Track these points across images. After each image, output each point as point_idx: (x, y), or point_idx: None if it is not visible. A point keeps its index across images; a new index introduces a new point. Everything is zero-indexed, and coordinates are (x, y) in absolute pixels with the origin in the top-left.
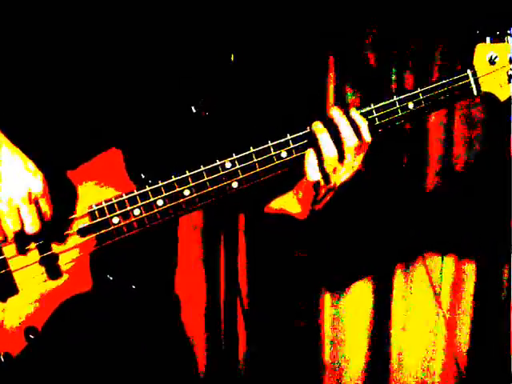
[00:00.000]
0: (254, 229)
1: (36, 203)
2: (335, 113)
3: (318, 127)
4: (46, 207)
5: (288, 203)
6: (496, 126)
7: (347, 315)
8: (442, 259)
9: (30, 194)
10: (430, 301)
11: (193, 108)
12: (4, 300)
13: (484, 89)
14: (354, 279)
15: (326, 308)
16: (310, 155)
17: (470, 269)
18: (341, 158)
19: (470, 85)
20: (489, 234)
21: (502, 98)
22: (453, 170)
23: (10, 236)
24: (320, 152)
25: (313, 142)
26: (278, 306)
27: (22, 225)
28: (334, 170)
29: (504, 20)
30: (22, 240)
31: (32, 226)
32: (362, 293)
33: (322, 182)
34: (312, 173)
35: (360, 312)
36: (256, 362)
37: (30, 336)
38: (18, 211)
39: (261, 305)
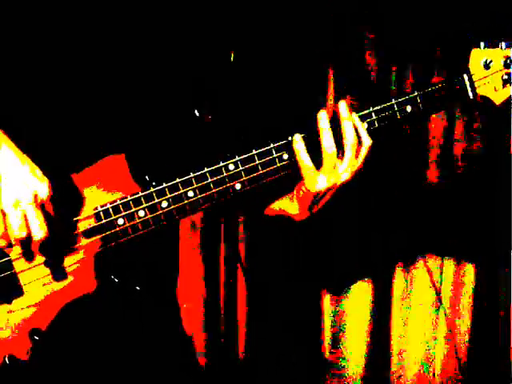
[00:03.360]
0: (253, 229)
1: (43, 209)
2: (342, 107)
3: (321, 116)
4: (52, 213)
5: (287, 204)
6: (496, 128)
7: (348, 315)
8: (442, 259)
9: (36, 198)
10: (430, 301)
11: (196, 112)
12: (9, 302)
13: (480, 92)
14: (355, 279)
15: (326, 307)
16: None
17: (469, 269)
18: (340, 153)
19: (466, 88)
20: (489, 234)
21: (497, 101)
22: (453, 171)
23: (15, 242)
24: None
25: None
26: (279, 305)
27: (29, 231)
28: (334, 166)
29: (497, 26)
30: (29, 245)
31: (40, 233)
32: (362, 293)
33: None
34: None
35: (360, 312)
36: (255, 359)
37: (35, 337)
38: (25, 217)
39: (260, 303)
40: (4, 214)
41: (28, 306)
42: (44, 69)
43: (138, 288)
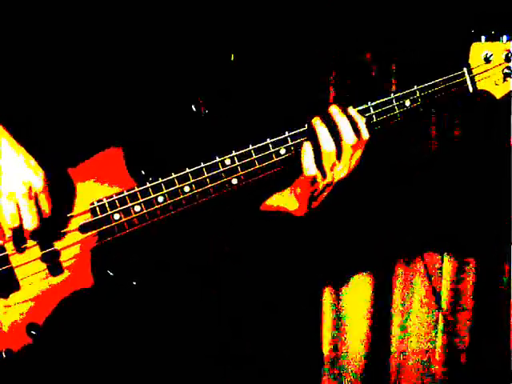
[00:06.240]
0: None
1: (36, 200)
2: (334, 110)
3: (317, 123)
4: (45, 204)
5: (285, 200)
6: (496, 123)
7: (347, 312)
8: (442, 256)
9: (30, 189)
10: (430, 298)
11: (193, 107)
12: (6, 297)
13: (480, 86)
14: (354, 276)
15: (326, 305)
16: (307, 149)
17: (469, 266)
18: (339, 154)
19: (466, 82)
20: (489, 230)
21: (498, 95)
22: (452, 167)
23: (8, 233)
24: (318, 147)
25: (312, 137)
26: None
27: (21, 221)
28: (333, 166)
29: (498, 19)
30: (23, 236)
31: (31, 223)
32: (362, 290)
33: (319, 177)
34: (309, 167)
35: (360, 309)
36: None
37: (32, 332)
38: (18, 207)
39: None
40: None
41: (25, 301)
42: (43, 64)
43: (134, 283)
